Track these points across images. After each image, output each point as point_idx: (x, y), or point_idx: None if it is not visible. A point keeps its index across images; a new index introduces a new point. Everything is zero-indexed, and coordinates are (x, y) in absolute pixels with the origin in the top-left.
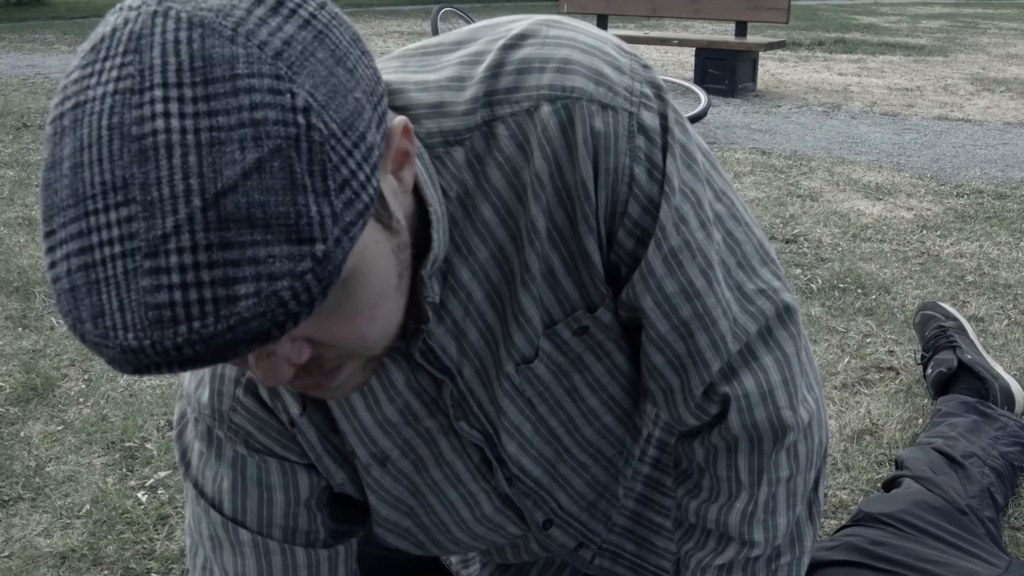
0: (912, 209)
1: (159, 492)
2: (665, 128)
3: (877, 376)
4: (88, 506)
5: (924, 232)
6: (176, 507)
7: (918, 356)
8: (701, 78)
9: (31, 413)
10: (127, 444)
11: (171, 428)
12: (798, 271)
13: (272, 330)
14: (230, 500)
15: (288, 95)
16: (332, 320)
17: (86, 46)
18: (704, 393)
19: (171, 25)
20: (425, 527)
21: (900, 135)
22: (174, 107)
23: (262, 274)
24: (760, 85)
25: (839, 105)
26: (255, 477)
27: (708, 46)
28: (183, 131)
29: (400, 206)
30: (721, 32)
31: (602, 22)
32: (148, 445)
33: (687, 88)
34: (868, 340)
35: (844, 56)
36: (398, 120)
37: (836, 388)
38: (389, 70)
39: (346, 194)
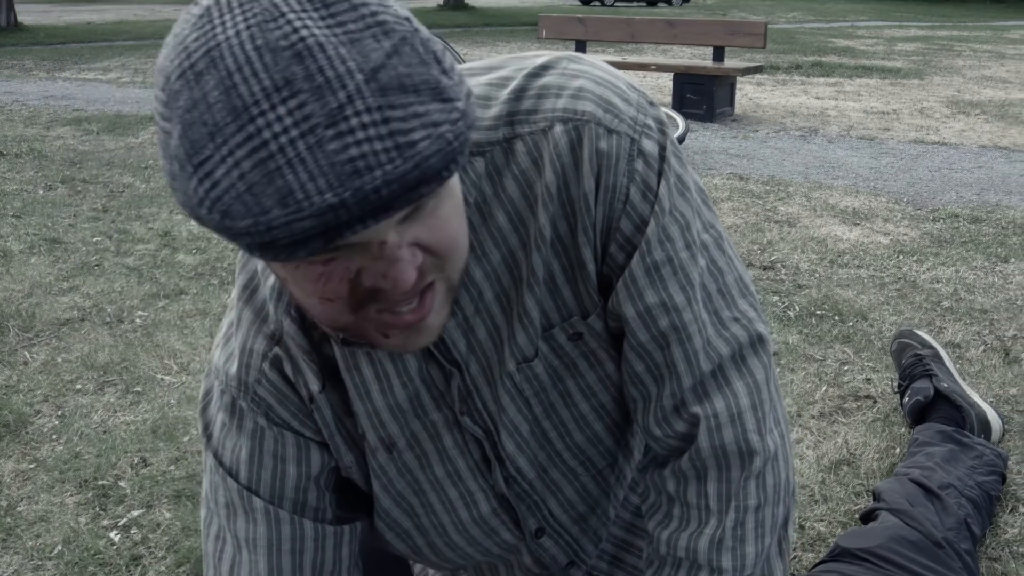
0: (889, 234)
1: (132, 532)
2: (663, 157)
3: (855, 405)
4: (60, 547)
5: (901, 257)
6: (149, 547)
7: (895, 384)
8: (679, 103)
9: (2, 451)
10: (100, 482)
11: (145, 465)
12: (775, 298)
13: (443, 169)
14: (246, 469)
15: (393, 9)
16: (434, 221)
17: (193, 14)
18: (674, 408)
19: None
20: (423, 529)
21: (877, 159)
22: (310, 22)
23: (427, 123)
24: (738, 109)
25: (816, 129)
26: (271, 449)
27: (686, 71)
28: (325, 36)
29: None
30: (699, 57)
31: (581, 47)
32: (122, 483)
33: (665, 114)
34: (845, 368)
35: (821, 79)
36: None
37: (814, 418)
38: None
39: (458, 79)
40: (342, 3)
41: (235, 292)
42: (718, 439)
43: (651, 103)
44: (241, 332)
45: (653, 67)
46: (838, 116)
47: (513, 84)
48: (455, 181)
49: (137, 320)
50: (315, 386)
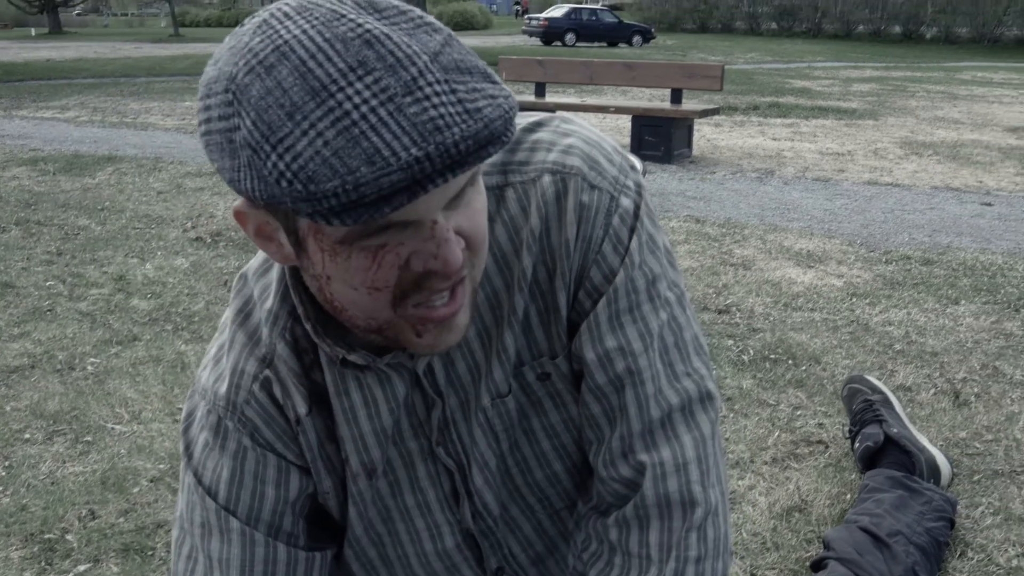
0: (842, 276)
1: None
2: (637, 215)
3: (807, 450)
4: None
5: (854, 300)
6: None
7: (846, 430)
8: (638, 144)
9: None
10: (46, 536)
11: (94, 518)
12: (730, 342)
13: (504, 133)
14: (226, 489)
15: (431, 16)
16: (470, 212)
17: (250, 24)
18: (622, 452)
19: None
20: (388, 560)
21: (831, 200)
22: (371, 20)
23: (486, 95)
24: (696, 151)
25: (773, 171)
26: (252, 470)
27: (644, 113)
28: (388, 28)
29: None
30: (658, 98)
31: (540, 89)
32: (68, 537)
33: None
34: (798, 413)
35: (778, 120)
36: None
37: (766, 463)
38: None
39: (496, 78)
40: (391, 8)
41: (229, 315)
42: (663, 487)
43: (632, 167)
44: (233, 354)
45: (612, 109)
46: (794, 157)
47: None
48: (483, 183)
49: (89, 367)
50: (302, 409)
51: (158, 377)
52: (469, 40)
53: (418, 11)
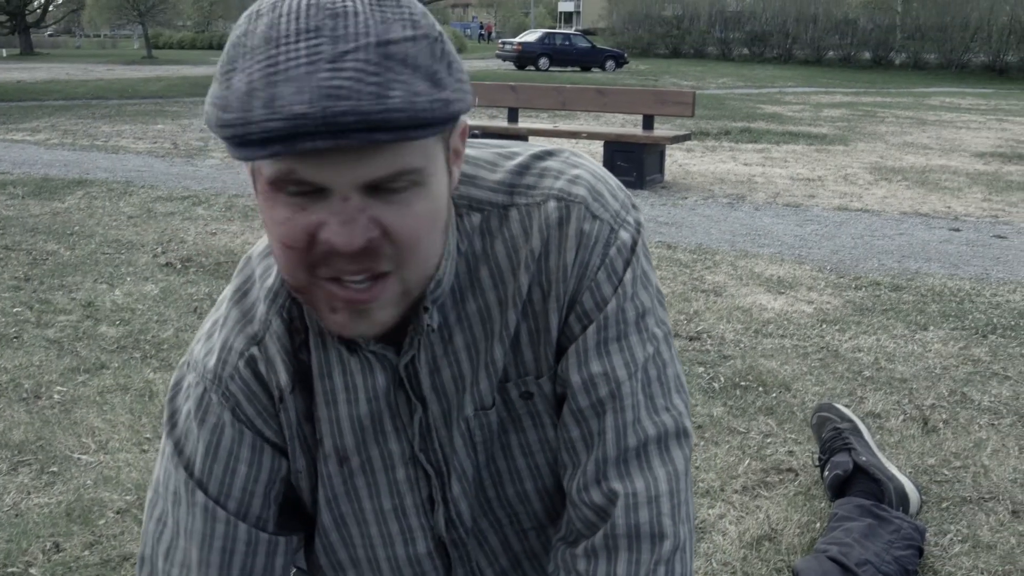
0: (812, 303)
1: None
2: (634, 250)
3: (777, 478)
4: None
5: (824, 326)
6: None
7: (816, 458)
8: (610, 170)
9: None
10: (10, 570)
11: (58, 551)
12: (701, 369)
13: (407, 128)
14: (201, 461)
15: (429, 21)
16: (402, 208)
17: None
18: (596, 477)
19: None
20: (357, 561)
21: (802, 226)
22: (359, 3)
23: (409, 91)
24: (668, 176)
25: (744, 196)
26: (228, 446)
27: (616, 139)
28: (364, 9)
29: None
30: (630, 123)
31: (513, 114)
32: (32, 571)
33: None
34: (768, 440)
35: (749, 146)
36: (464, 119)
37: (736, 492)
38: None
39: (458, 86)
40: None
41: (227, 292)
42: (634, 518)
43: (635, 206)
44: (225, 330)
45: (584, 135)
46: (765, 183)
47: (519, 159)
48: (440, 199)
49: (55, 396)
50: (287, 386)
51: (126, 406)
52: None
53: (417, 10)
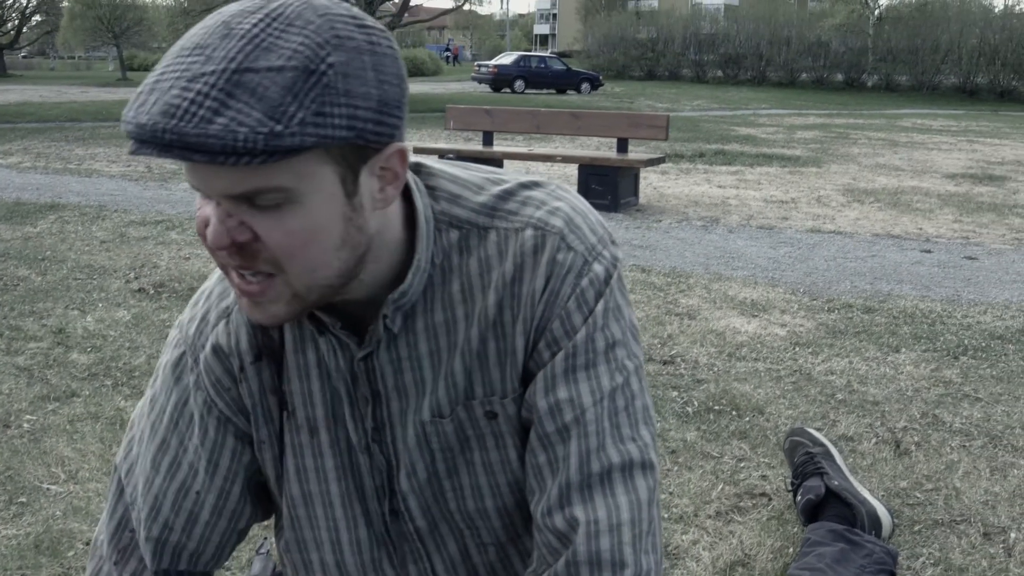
0: (785, 325)
1: None
2: (607, 282)
3: (750, 503)
4: None
5: (797, 349)
6: None
7: (788, 482)
8: (585, 193)
9: None
10: None
11: None
12: (675, 393)
13: (221, 155)
14: (168, 417)
15: (327, 52)
16: (272, 221)
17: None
18: (559, 502)
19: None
20: (320, 543)
21: (775, 248)
22: (261, 24)
23: (237, 119)
24: (642, 199)
25: (718, 219)
26: (189, 409)
27: (591, 162)
28: (256, 34)
29: (375, 212)
30: (605, 146)
31: (488, 138)
32: None
33: None
34: (742, 465)
35: (724, 168)
36: (397, 144)
37: (710, 517)
38: (439, 163)
39: (316, 119)
40: (293, 29)
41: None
42: (595, 545)
43: (613, 242)
44: (208, 302)
45: (559, 158)
46: (739, 205)
47: (506, 185)
48: (322, 218)
49: (25, 425)
50: (248, 357)
51: (96, 435)
52: (418, 86)
53: (316, 43)
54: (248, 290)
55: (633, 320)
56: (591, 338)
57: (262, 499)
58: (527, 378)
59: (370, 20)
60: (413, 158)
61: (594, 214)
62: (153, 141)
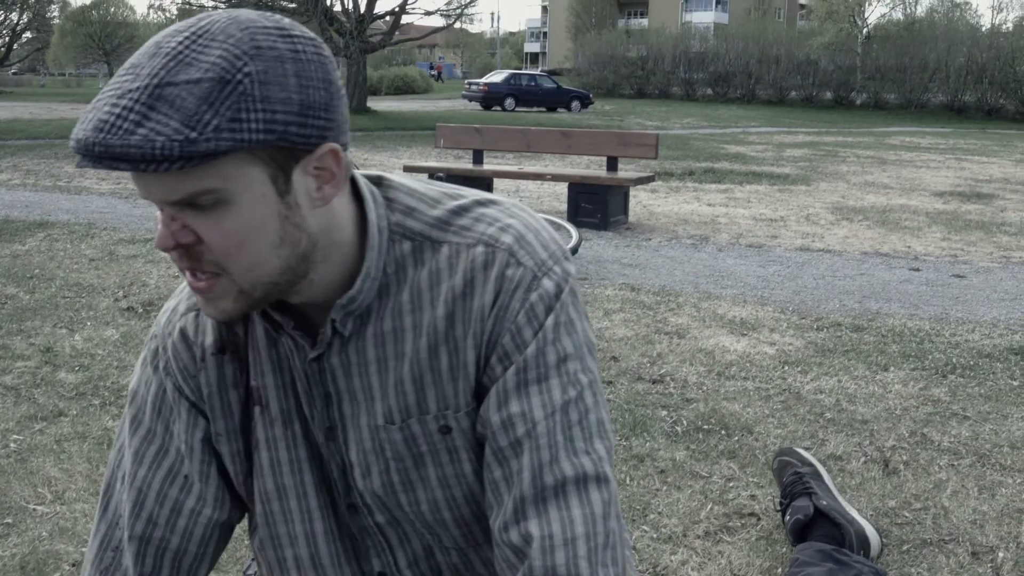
0: (775, 344)
1: None
2: (558, 296)
3: (739, 523)
4: None
5: (786, 368)
6: None
7: (777, 502)
8: (575, 212)
9: None
10: None
11: None
12: (664, 413)
13: (141, 162)
14: (150, 410)
15: (244, 63)
16: (210, 223)
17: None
18: (515, 516)
19: (217, 17)
20: (278, 538)
21: (764, 267)
22: (186, 41)
23: (156, 129)
24: (632, 217)
25: (707, 237)
26: (162, 396)
27: (580, 181)
28: (180, 51)
29: (315, 210)
30: (595, 164)
31: (478, 156)
32: None
33: (559, 224)
34: (731, 484)
35: (713, 186)
36: (329, 145)
37: (699, 537)
38: (400, 177)
39: (231, 125)
40: (215, 42)
41: None
42: (550, 560)
43: (566, 258)
44: (181, 296)
45: (549, 176)
46: (728, 223)
47: (462, 201)
48: (256, 217)
49: (11, 444)
50: (211, 349)
51: (83, 455)
52: (409, 104)
53: (234, 54)
54: (198, 287)
55: (588, 335)
56: (542, 352)
57: (235, 491)
58: (481, 393)
59: (298, 30)
60: (376, 172)
61: (547, 232)
62: (87, 154)
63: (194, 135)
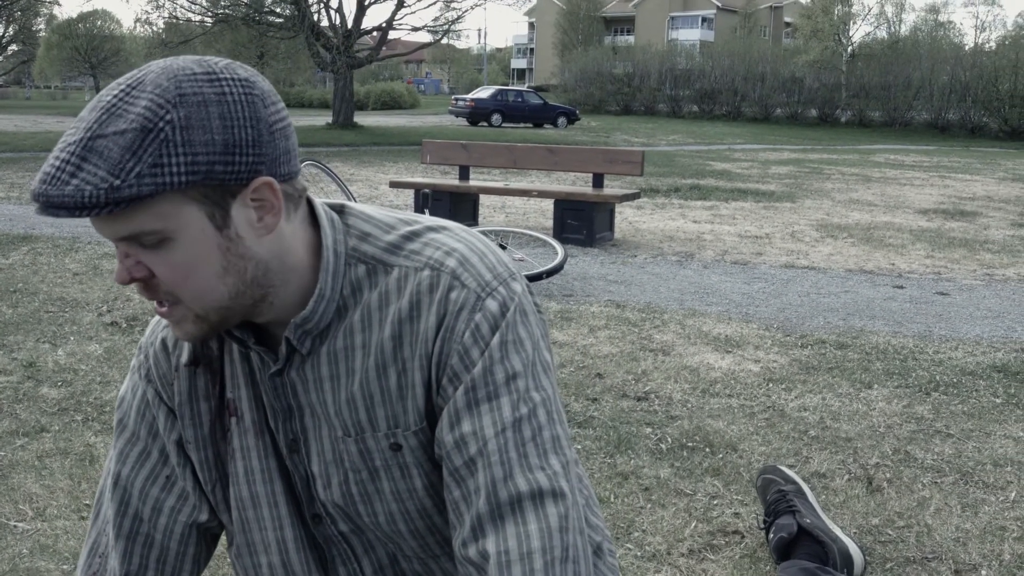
0: (759, 361)
1: None
2: (503, 314)
3: (723, 541)
4: None
5: (770, 385)
6: None
7: (761, 520)
8: (560, 228)
9: None
10: None
11: None
12: (648, 430)
13: (76, 209)
14: (135, 413)
15: (166, 111)
16: (158, 258)
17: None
18: (472, 533)
19: (151, 67)
20: (253, 545)
21: (749, 284)
22: (120, 94)
23: (86, 179)
24: (618, 234)
25: (692, 254)
26: (144, 402)
27: (566, 197)
28: (113, 104)
29: (261, 239)
30: (581, 181)
31: (464, 172)
32: None
33: (545, 241)
34: (715, 502)
35: (699, 203)
36: (263, 178)
37: (683, 555)
38: (360, 206)
39: (152, 171)
40: (145, 91)
41: None
42: (507, 575)
43: (513, 278)
44: None
45: (535, 193)
46: (713, 240)
47: (415, 227)
48: (198, 249)
49: None
50: (184, 359)
51: (65, 471)
52: (396, 119)
53: (158, 103)
54: (161, 312)
55: (543, 355)
56: (489, 371)
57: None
58: (432, 413)
59: (228, 74)
60: (339, 201)
61: (494, 255)
62: (37, 203)
63: (118, 182)
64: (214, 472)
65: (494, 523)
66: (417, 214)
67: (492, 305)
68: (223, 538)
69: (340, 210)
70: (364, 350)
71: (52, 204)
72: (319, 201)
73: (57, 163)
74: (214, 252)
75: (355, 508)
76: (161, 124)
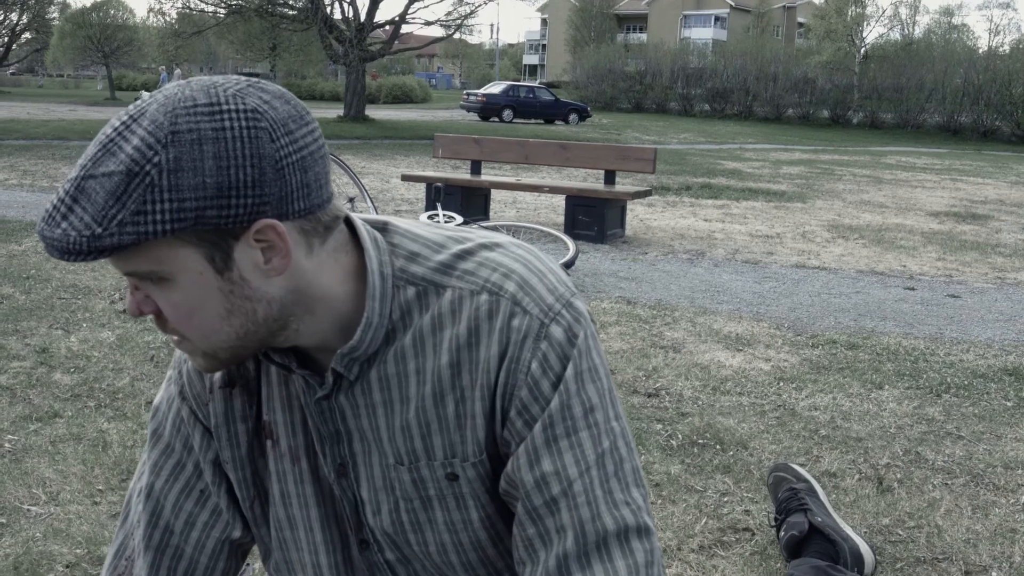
0: (770, 360)
1: None
2: (572, 343)
3: (733, 538)
4: None
5: (781, 384)
6: None
7: (772, 518)
8: (572, 224)
9: None
10: None
11: None
12: (659, 426)
13: (66, 252)
14: (170, 428)
15: (154, 152)
16: (162, 295)
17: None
18: (557, 572)
19: (158, 96)
20: (291, 563)
21: (760, 283)
22: (119, 128)
23: (72, 223)
24: (629, 231)
25: (703, 252)
26: (178, 415)
27: (578, 193)
28: (110, 139)
29: (272, 279)
30: (592, 177)
31: (476, 167)
32: None
33: (556, 237)
34: (725, 499)
35: (710, 201)
36: (265, 221)
37: (693, 551)
38: (405, 223)
39: (135, 219)
40: (138, 128)
41: None
42: None
43: (574, 295)
44: None
45: (546, 189)
46: (724, 239)
47: (467, 244)
48: (198, 291)
49: (6, 445)
50: (218, 383)
51: (78, 456)
52: (408, 113)
53: (149, 143)
54: (174, 344)
55: (609, 381)
56: (567, 406)
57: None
58: (492, 444)
59: (234, 104)
60: (382, 217)
61: (555, 273)
62: (43, 242)
63: (99, 230)
64: (252, 489)
65: (580, 563)
66: (467, 229)
67: (557, 332)
68: None
69: (383, 227)
70: (419, 376)
71: (48, 244)
72: (360, 220)
73: (56, 201)
74: (215, 295)
75: (404, 537)
76: (148, 168)
